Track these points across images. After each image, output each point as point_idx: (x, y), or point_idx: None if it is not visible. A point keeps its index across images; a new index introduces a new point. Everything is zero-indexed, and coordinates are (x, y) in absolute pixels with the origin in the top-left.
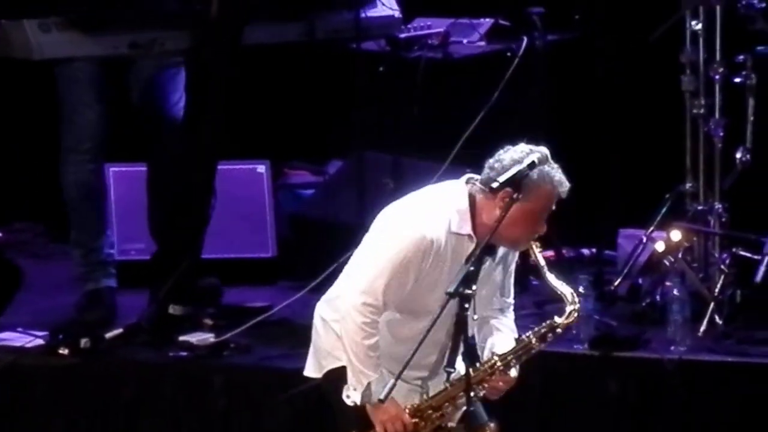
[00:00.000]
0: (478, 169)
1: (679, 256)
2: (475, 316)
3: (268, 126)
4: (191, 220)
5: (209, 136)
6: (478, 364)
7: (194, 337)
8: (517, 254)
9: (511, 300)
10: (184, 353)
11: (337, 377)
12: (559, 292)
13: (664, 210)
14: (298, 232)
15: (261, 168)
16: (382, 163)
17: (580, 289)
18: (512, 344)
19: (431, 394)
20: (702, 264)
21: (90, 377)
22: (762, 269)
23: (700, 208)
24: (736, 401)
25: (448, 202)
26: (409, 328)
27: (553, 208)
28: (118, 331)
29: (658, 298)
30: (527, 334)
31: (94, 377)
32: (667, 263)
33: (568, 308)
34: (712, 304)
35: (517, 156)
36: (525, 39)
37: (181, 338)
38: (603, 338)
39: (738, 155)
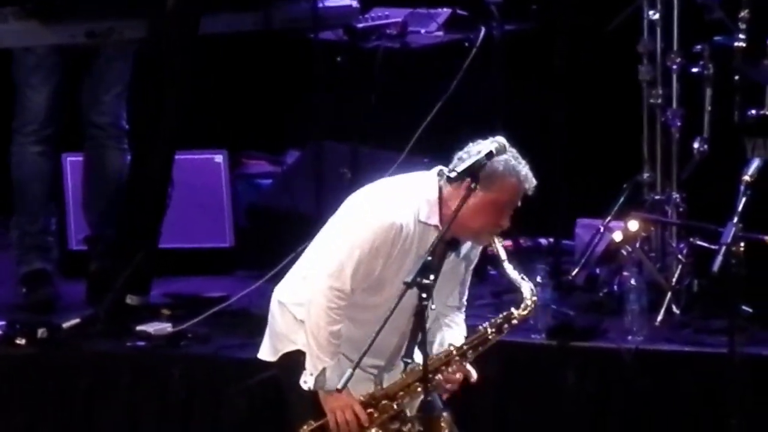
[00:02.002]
0: (436, 159)
1: (637, 245)
2: (433, 306)
3: (226, 116)
4: (148, 209)
5: (166, 126)
6: (434, 355)
7: (151, 327)
8: (478, 254)
9: (464, 302)
10: (142, 343)
11: (292, 361)
12: (516, 285)
13: (621, 200)
14: (256, 221)
15: (218, 158)
16: (340, 152)
17: (538, 279)
18: (462, 340)
19: (386, 384)
20: (659, 254)
21: (47, 367)
22: (719, 259)
23: (657, 197)
24: (693, 390)
25: (417, 191)
26: (369, 314)
27: (518, 204)
28: (76, 321)
29: (615, 287)
30: (484, 325)
31: (51, 367)
32: (625, 253)
33: (526, 301)
34: (669, 294)
35: (485, 148)
36: (483, 29)
37: (139, 328)
38: (561, 328)
39: (695, 145)
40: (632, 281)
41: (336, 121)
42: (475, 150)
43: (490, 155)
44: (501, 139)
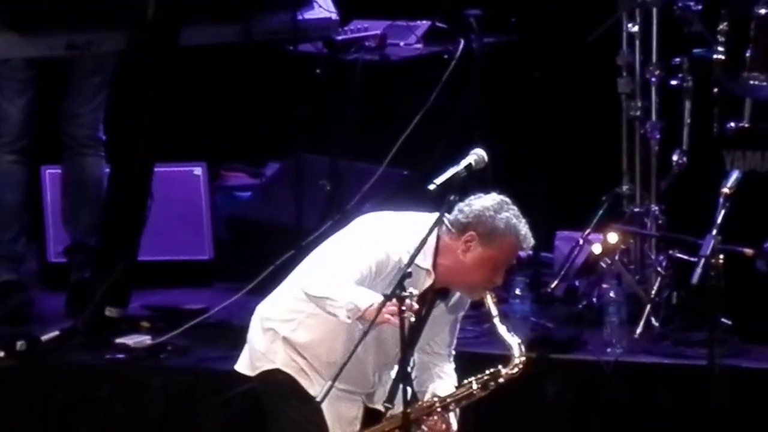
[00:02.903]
0: (415, 171)
1: (616, 258)
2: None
3: (205, 128)
4: (127, 221)
5: (145, 138)
6: (417, 403)
7: (131, 340)
8: (467, 306)
9: (453, 350)
10: (121, 355)
11: (270, 380)
12: (506, 344)
13: (600, 212)
14: (235, 234)
15: (198, 170)
16: (319, 165)
17: (517, 291)
18: (452, 390)
19: (373, 402)
20: (638, 266)
21: (26, 379)
22: (698, 271)
23: (636, 210)
24: (673, 403)
25: (418, 233)
26: (350, 339)
27: (513, 261)
28: (55, 333)
29: (594, 300)
30: (470, 380)
31: (30, 379)
32: (604, 265)
33: (514, 359)
34: (648, 306)
35: (488, 203)
36: (462, 41)
37: (118, 340)
38: (540, 340)
39: (674, 158)
40: (611, 293)
41: (315, 133)
42: (478, 204)
43: (469, 167)
44: (502, 198)
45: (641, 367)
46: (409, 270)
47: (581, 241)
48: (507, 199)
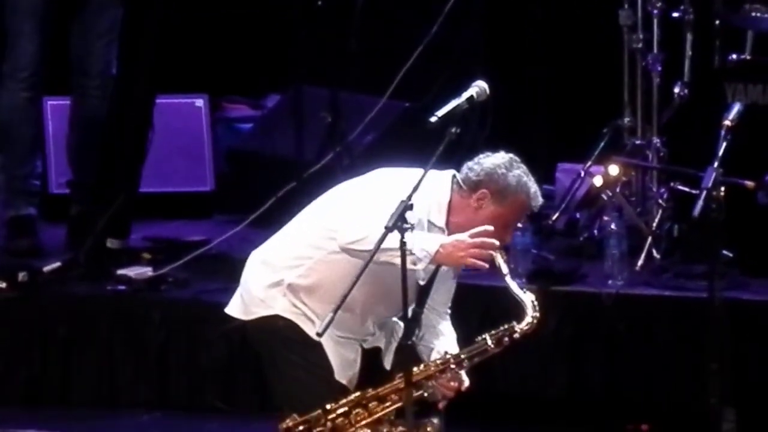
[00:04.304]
0: (415, 103)
1: (617, 190)
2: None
3: (207, 60)
4: (128, 153)
5: (146, 70)
6: (430, 362)
7: (132, 271)
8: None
9: (449, 309)
10: (122, 287)
11: (268, 326)
12: (519, 300)
13: (602, 144)
14: (236, 166)
15: (199, 102)
16: (320, 96)
17: (518, 224)
18: (456, 348)
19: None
20: (640, 198)
21: (27, 311)
22: (699, 204)
23: (638, 142)
24: (673, 335)
25: (433, 191)
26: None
27: (522, 219)
28: (56, 264)
29: (595, 232)
30: (483, 336)
31: (31, 311)
32: (605, 197)
33: (528, 315)
34: (649, 239)
35: (498, 161)
36: None
37: (119, 272)
38: (541, 272)
39: (676, 90)
40: (612, 226)
41: (316, 65)
42: (488, 162)
43: (471, 99)
44: (511, 156)
45: (641, 299)
46: (411, 203)
47: (582, 174)
48: (515, 157)
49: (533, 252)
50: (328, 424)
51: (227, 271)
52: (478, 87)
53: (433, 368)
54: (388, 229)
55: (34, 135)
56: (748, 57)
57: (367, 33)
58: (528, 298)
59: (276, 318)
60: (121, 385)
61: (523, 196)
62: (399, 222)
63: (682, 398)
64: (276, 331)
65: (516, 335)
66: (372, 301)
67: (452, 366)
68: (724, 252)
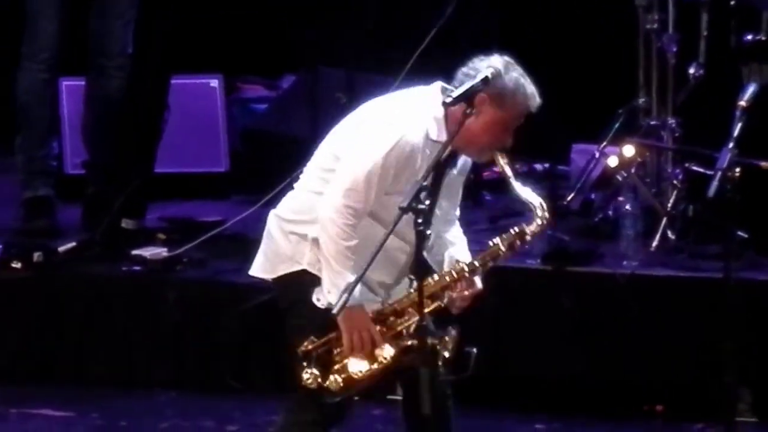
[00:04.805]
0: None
1: (632, 171)
2: (429, 232)
3: (222, 40)
4: (144, 134)
5: (161, 50)
6: (443, 271)
7: (147, 252)
8: (470, 164)
9: (458, 213)
10: (137, 267)
11: (294, 281)
12: (526, 201)
13: (617, 125)
14: (251, 146)
15: (214, 82)
16: (336, 77)
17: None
18: (468, 255)
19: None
20: (655, 179)
21: (43, 291)
22: (714, 184)
23: (653, 123)
24: (688, 315)
25: (425, 109)
26: (378, 233)
27: (522, 121)
28: (72, 244)
29: (610, 212)
30: (495, 240)
31: (46, 291)
32: (620, 178)
33: (537, 216)
34: (664, 219)
35: (494, 64)
36: None
37: (134, 252)
38: (556, 253)
39: (691, 70)
40: (627, 206)
41: (332, 45)
42: (483, 66)
43: (485, 81)
44: (506, 59)
45: (656, 280)
46: (425, 183)
47: (597, 154)
48: (510, 59)
49: (548, 233)
50: None
51: (242, 251)
52: (493, 68)
53: (448, 279)
54: (403, 210)
55: (51, 116)
56: (764, 37)
57: (382, 13)
58: (536, 199)
59: (303, 273)
60: (137, 364)
61: (521, 97)
62: (413, 203)
63: (697, 379)
64: (302, 284)
65: (528, 237)
66: (400, 254)
67: (467, 274)
68: (739, 232)
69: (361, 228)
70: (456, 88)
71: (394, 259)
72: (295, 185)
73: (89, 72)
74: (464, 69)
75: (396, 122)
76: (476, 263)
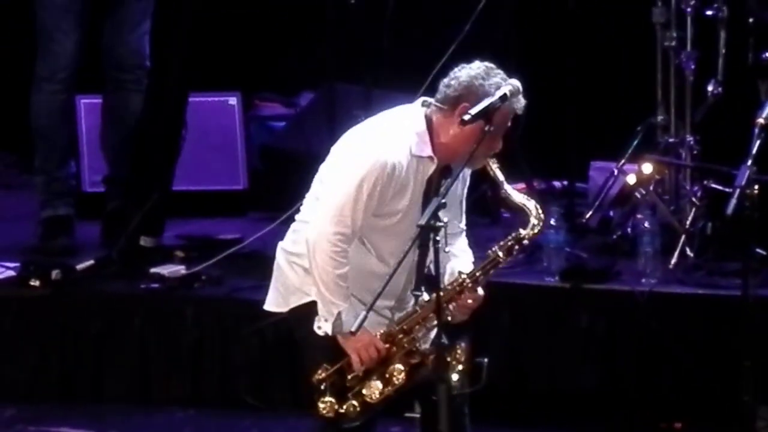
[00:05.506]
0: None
1: (651, 188)
2: (447, 249)
3: (240, 57)
4: (162, 152)
5: (179, 68)
6: (446, 285)
7: (165, 269)
8: (469, 173)
9: (464, 225)
10: (155, 285)
11: (305, 313)
12: (521, 205)
13: (635, 142)
14: (269, 164)
15: (232, 100)
16: (353, 94)
17: (552, 221)
18: (471, 266)
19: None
20: (673, 196)
21: (61, 309)
22: (733, 201)
23: (671, 140)
24: (707, 333)
25: (405, 126)
26: (376, 257)
27: (509, 124)
28: (89, 262)
29: (629, 230)
30: (493, 248)
31: (64, 309)
32: (639, 195)
33: (532, 220)
34: (683, 237)
35: (474, 72)
36: None
37: (152, 270)
38: (574, 270)
39: (709, 88)
40: (646, 224)
41: (349, 63)
42: (464, 74)
43: (504, 98)
44: (486, 64)
45: (675, 297)
46: (444, 200)
47: (616, 172)
48: (491, 65)
49: (566, 250)
50: None
51: (260, 268)
52: (512, 85)
53: (451, 292)
54: (423, 228)
55: (69, 136)
56: None
57: (400, 30)
58: (530, 203)
59: (313, 304)
60: (155, 382)
61: (505, 102)
62: (432, 220)
63: (715, 396)
64: (312, 314)
65: (524, 241)
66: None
67: (468, 285)
68: (758, 250)
69: (351, 254)
70: (438, 100)
71: (396, 281)
72: (296, 217)
73: (106, 87)
74: (445, 80)
75: (375, 143)
76: (477, 273)
